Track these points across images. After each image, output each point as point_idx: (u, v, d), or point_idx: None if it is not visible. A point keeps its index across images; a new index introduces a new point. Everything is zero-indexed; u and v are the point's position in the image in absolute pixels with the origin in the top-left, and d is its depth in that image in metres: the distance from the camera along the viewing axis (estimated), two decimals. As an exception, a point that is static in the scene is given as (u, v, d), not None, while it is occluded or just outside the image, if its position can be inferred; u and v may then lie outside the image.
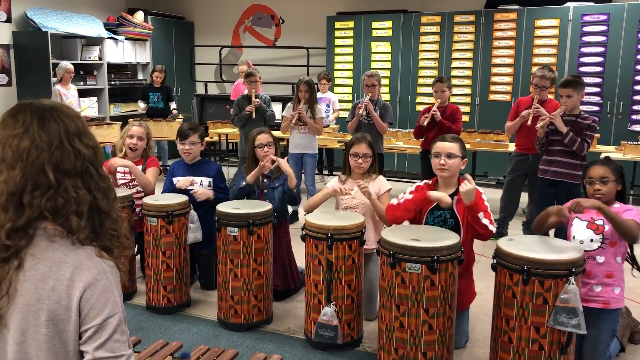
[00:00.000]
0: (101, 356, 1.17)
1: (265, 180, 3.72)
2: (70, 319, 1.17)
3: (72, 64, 7.13)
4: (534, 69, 5.15)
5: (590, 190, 2.82)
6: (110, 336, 1.17)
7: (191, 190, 3.79)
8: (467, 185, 2.76)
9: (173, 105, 7.80)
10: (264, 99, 5.85)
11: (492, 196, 5.85)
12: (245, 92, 5.93)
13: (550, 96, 5.02)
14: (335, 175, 7.84)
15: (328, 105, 7.17)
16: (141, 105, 7.74)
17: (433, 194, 2.89)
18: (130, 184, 3.97)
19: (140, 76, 9.06)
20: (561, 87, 4.23)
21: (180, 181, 3.84)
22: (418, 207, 2.97)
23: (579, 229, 2.81)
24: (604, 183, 2.78)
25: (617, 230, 2.66)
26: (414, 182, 3.20)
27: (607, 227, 2.74)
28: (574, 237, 2.82)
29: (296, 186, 3.64)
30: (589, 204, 2.65)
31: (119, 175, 3.99)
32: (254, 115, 5.65)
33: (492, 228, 2.84)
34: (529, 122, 4.60)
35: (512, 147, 5.40)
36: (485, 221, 2.80)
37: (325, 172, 7.82)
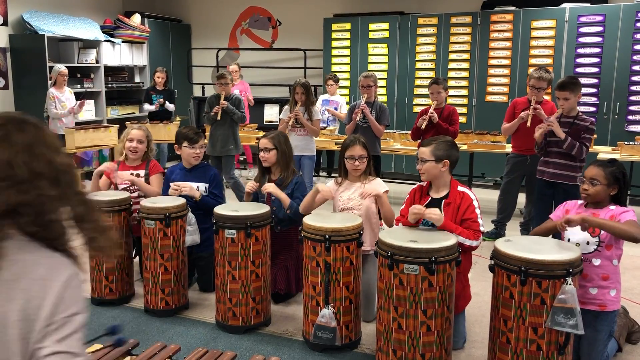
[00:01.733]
0: (61, 350, 1.15)
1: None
2: (39, 318, 1.16)
3: (69, 67, 7.12)
4: (531, 70, 5.16)
5: (581, 188, 2.84)
6: (74, 332, 1.17)
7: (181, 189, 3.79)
8: (432, 215, 2.81)
9: (172, 107, 7.79)
10: (234, 100, 5.82)
11: (489, 197, 5.88)
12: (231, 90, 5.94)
13: (547, 97, 5.03)
14: (335, 177, 7.87)
15: (336, 109, 7.14)
16: (148, 107, 7.68)
17: (409, 216, 2.92)
18: (131, 187, 3.97)
19: (137, 79, 9.06)
20: (558, 89, 4.19)
21: (171, 188, 3.78)
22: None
23: (573, 230, 2.81)
24: (592, 184, 2.78)
25: (614, 235, 2.67)
26: (411, 184, 3.21)
27: (602, 231, 2.74)
28: (568, 240, 2.82)
29: (290, 207, 3.60)
30: (578, 218, 2.65)
31: (119, 180, 3.99)
32: (218, 117, 5.69)
33: (468, 241, 2.84)
34: (529, 124, 4.62)
35: (509, 147, 5.41)
36: (460, 238, 2.81)
37: (324, 174, 7.83)
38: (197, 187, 3.87)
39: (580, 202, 2.93)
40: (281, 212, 3.61)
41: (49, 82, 7.10)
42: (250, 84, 8.23)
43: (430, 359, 2.65)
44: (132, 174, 4.01)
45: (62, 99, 6.87)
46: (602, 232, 2.72)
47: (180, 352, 2.41)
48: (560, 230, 2.80)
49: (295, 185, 3.72)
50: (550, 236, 2.91)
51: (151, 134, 4.17)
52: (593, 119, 4.34)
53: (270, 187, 3.60)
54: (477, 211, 2.92)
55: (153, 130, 7.22)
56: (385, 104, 7.64)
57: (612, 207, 2.80)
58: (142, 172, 4.03)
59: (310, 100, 5.43)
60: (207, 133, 6.19)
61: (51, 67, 7.11)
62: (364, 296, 3.34)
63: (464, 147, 5.84)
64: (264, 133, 3.82)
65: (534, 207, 4.68)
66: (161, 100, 7.58)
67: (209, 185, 3.90)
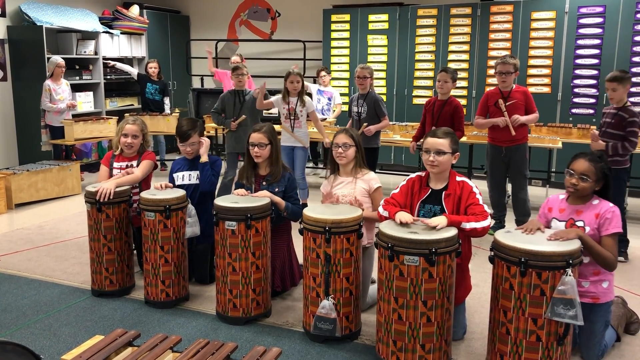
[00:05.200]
0: None
1: (264, 183, 3.64)
2: None
3: (67, 58, 7.10)
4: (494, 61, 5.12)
5: (567, 181, 2.80)
6: None
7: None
8: (434, 222, 2.73)
9: (167, 102, 7.77)
10: (251, 96, 5.56)
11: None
12: (235, 87, 5.79)
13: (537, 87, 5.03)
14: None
15: (330, 99, 7.15)
16: (131, 69, 7.86)
17: (397, 217, 2.82)
18: (124, 171, 4.00)
19: (136, 70, 9.02)
20: (607, 81, 4.29)
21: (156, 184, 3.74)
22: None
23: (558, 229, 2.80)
24: (583, 180, 2.75)
25: (595, 259, 2.67)
26: (410, 175, 3.19)
27: (588, 229, 2.72)
28: None
29: (286, 208, 3.55)
30: (573, 235, 2.60)
31: (115, 172, 3.99)
32: (233, 128, 5.46)
33: (479, 224, 2.76)
34: (513, 133, 4.75)
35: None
36: (470, 225, 2.76)
37: (321, 165, 7.83)
38: (197, 175, 3.89)
39: (562, 196, 2.90)
40: (275, 211, 3.54)
41: (47, 74, 7.08)
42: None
43: (430, 350, 2.67)
44: (127, 165, 4.01)
45: (58, 91, 6.86)
46: (587, 230, 2.72)
47: (182, 343, 2.42)
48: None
49: (288, 182, 3.64)
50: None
51: (146, 126, 4.14)
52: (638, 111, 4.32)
53: (264, 194, 3.49)
54: (478, 196, 2.90)
55: (152, 122, 7.26)
56: (384, 96, 7.66)
57: (595, 201, 2.78)
58: (134, 163, 4.03)
59: (303, 91, 5.40)
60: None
61: (49, 59, 7.09)
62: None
63: (463, 139, 5.83)
64: (254, 127, 3.67)
65: None
66: (167, 108, 7.71)
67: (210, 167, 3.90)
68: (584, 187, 2.76)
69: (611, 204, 2.77)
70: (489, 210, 2.87)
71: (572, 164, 2.81)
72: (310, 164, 7.99)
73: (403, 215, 2.82)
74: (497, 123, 4.79)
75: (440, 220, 2.74)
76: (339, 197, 3.41)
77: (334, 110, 7.24)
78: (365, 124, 5.26)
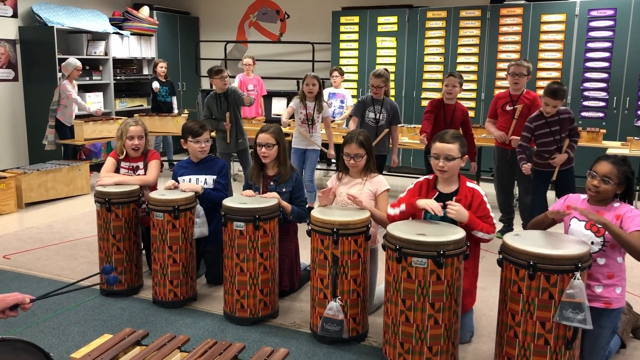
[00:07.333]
0: None
1: (272, 183, 3.64)
2: None
3: (78, 59, 7.13)
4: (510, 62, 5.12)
5: (589, 183, 2.77)
6: None
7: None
8: (453, 209, 2.79)
9: (174, 101, 7.80)
10: (234, 93, 5.60)
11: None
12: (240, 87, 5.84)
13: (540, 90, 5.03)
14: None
15: (342, 102, 7.14)
16: (155, 85, 7.73)
17: (420, 203, 2.88)
18: (131, 172, 4.03)
19: (145, 71, 9.08)
20: (550, 97, 4.27)
21: (166, 183, 3.75)
22: (410, 215, 2.97)
23: (577, 229, 2.79)
24: (604, 182, 2.72)
25: (623, 246, 2.63)
26: (418, 178, 3.19)
27: None
28: None
29: (292, 212, 3.55)
30: (596, 218, 2.58)
31: (122, 171, 4.02)
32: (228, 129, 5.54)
33: (487, 236, 2.86)
34: (507, 141, 4.84)
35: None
36: (481, 234, 2.83)
37: (332, 167, 7.83)
38: (205, 179, 3.85)
39: (583, 197, 2.88)
40: (282, 213, 3.53)
41: (59, 75, 7.11)
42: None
43: (438, 352, 2.66)
44: (131, 166, 4.04)
45: (73, 92, 6.91)
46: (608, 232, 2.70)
47: (189, 343, 2.42)
48: (555, 218, 2.81)
49: (295, 182, 3.65)
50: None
51: (157, 127, 4.17)
52: (571, 111, 4.55)
53: (273, 196, 3.48)
54: (488, 206, 2.90)
55: (161, 123, 7.30)
56: (393, 98, 7.64)
57: (617, 204, 2.76)
58: (141, 164, 4.05)
59: (321, 94, 5.42)
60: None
61: (60, 60, 7.13)
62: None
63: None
64: (262, 127, 3.68)
65: (533, 193, 4.66)
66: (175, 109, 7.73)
67: (217, 176, 3.86)
68: (605, 190, 2.72)
69: (632, 206, 2.75)
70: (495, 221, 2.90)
71: (594, 165, 2.78)
72: (332, 166, 7.99)
73: (428, 202, 2.84)
74: (496, 137, 4.87)
75: (462, 213, 2.78)
76: (336, 195, 3.40)
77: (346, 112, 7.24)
78: (386, 130, 5.25)
